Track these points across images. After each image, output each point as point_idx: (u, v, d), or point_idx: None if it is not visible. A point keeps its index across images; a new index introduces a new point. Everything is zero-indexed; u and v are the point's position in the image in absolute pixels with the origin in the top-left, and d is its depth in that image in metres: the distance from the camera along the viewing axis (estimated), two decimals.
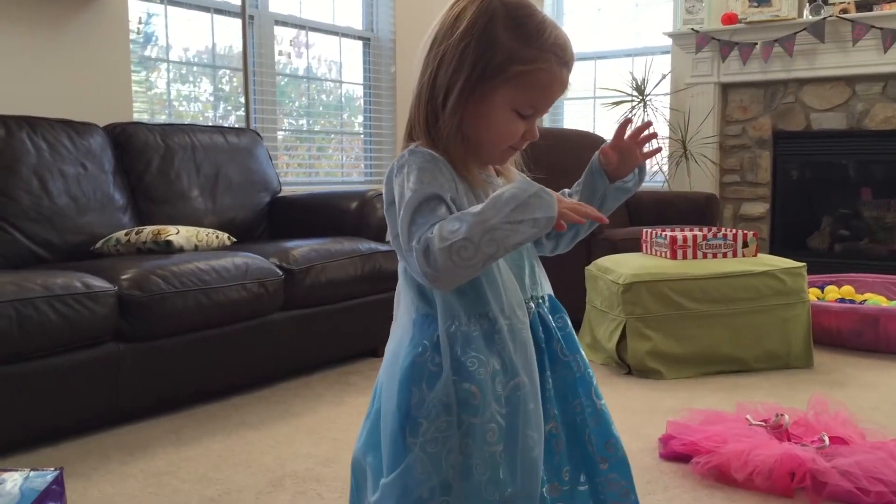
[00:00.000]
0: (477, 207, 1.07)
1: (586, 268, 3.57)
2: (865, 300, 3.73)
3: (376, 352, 3.48)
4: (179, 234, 2.95)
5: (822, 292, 3.91)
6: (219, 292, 2.68)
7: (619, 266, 3.32)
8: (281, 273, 2.93)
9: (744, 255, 3.37)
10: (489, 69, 1.13)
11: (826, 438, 2.16)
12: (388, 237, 1.20)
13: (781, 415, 2.27)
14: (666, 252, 3.35)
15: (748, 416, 2.32)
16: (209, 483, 2.13)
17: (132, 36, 3.70)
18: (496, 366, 1.14)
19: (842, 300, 3.74)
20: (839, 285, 4.01)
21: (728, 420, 2.35)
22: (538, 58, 1.14)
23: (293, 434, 2.51)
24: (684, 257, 3.31)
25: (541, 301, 1.29)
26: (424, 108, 1.19)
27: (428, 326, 1.18)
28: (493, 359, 1.15)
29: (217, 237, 3.14)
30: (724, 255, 3.34)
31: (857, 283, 4.05)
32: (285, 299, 2.95)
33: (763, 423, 2.26)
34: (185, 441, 2.44)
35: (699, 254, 3.31)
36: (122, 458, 2.31)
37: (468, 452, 1.12)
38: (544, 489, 1.19)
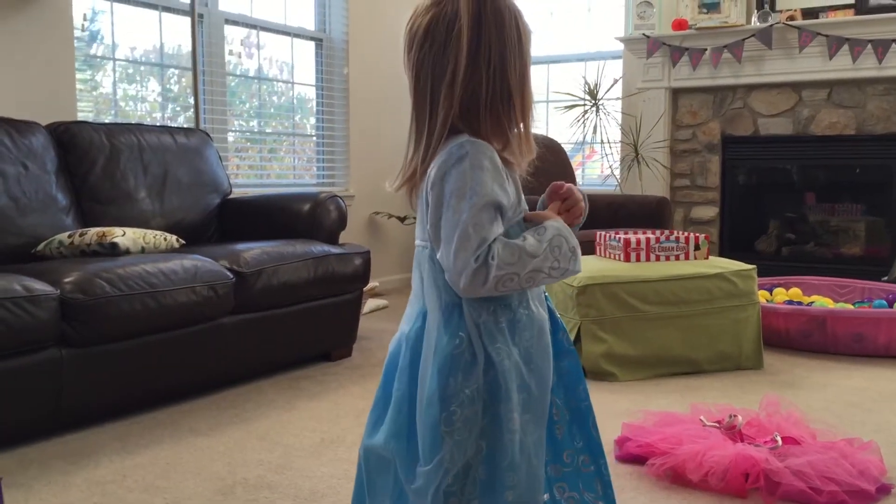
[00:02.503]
0: (532, 243, 1.14)
1: None
2: (812, 302, 3.80)
3: (329, 356, 3.43)
4: (125, 236, 2.87)
5: (771, 295, 3.98)
6: (167, 296, 2.61)
7: None
8: (231, 276, 2.87)
9: (696, 258, 3.40)
10: (522, 42, 1.19)
11: (779, 439, 2.18)
12: (421, 219, 1.21)
13: (735, 416, 2.29)
14: (619, 254, 3.37)
15: (702, 418, 2.33)
16: (157, 492, 2.06)
17: (76, 33, 3.59)
18: (517, 356, 1.19)
19: (790, 302, 3.80)
20: (787, 288, 4.07)
21: (682, 421, 2.36)
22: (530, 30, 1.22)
23: (244, 440, 2.45)
24: (638, 260, 3.33)
25: (546, 294, 1.33)
26: (488, 100, 1.17)
27: (459, 316, 1.19)
28: (515, 349, 1.19)
29: (165, 239, 3.06)
30: (677, 258, 3.37)
31: (805, 285, 4.12)
32: (236, 303, 2.88)
33: (717, 425, 2.28)
34: (131, 449, 2.37)
35: (652, 256, 3.34)
36: (65, 467, 2.22)
37: (493, 439, 1.17)
38: (547, 468, 1.26)
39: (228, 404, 2.82)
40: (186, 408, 2.77)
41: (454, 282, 1.13)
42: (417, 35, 1.18)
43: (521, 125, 1.22)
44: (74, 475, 2.17)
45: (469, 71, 1.15)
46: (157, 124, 3.94)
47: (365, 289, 3.67)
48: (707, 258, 3.43)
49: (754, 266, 3.36)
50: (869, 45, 4.47)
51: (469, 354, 1.17)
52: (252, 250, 3.03)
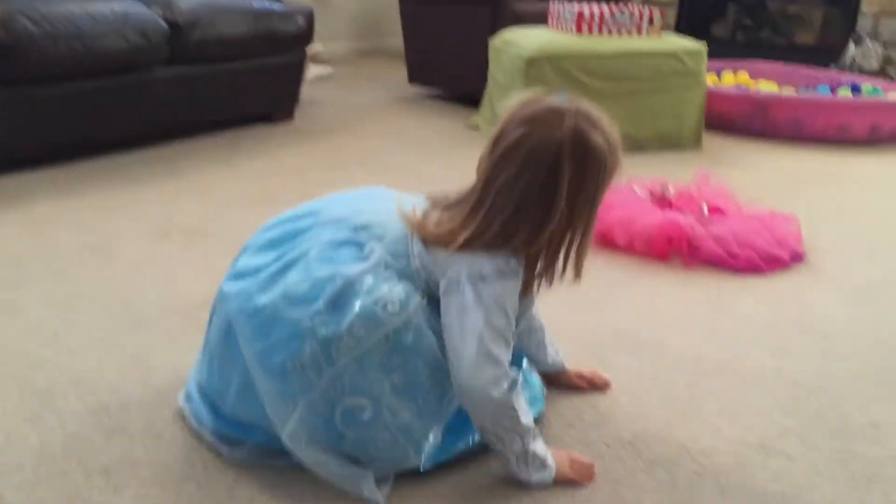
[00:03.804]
0: (537, 445, 1.17)
1: (491, 41, 3.47)
2: (758, 87, 3.80)
3: (271, 118, 3.37)
4: None
5: (719, 78, 3.96)
6: (95, 40, 2.48)
7: (523, 40, 3.24)
8: (165, 24, 2.73)
9: (648, 34, 3.33)
10: (606, 189, 1.16)
11: (705, 208, 2.26)
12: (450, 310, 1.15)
13: (666, 186, 2.34)
14: (572, 27, 3.28)
15: (635, 187, 2.38)
16: (92, 232, 2.07)
17: None
18: None
19: (737, 87, 3.80)
20: (736, 72, 4.06)
21: (615, 190, 2.41)
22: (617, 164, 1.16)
23: (181, 191, 2.44)
24: (590, 32, 3.25)
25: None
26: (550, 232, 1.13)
27: None
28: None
29: None
30: (629, 33, 3.30)
31: (754, 70, 4.11)
32: (170, 54, 2.76)
33: (649, 193, 2.33)
34: (66, 192, 2.35)
35: (604, 29, 3.26)
36: None
37: None
38: None
39: (166, 157, 2.78)
40: (124, 159, 2.72)
41: (464, 371, 1.12)
42: (504, 142, 1.11)
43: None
44: (7, 214, 2.15)
45: (545, 218, 1.12)
46: None
47: (308, 52, 3.55)
48: (660, 35, 3.36)
49: (704, 45, 3.31)
50: None
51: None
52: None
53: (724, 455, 1.26)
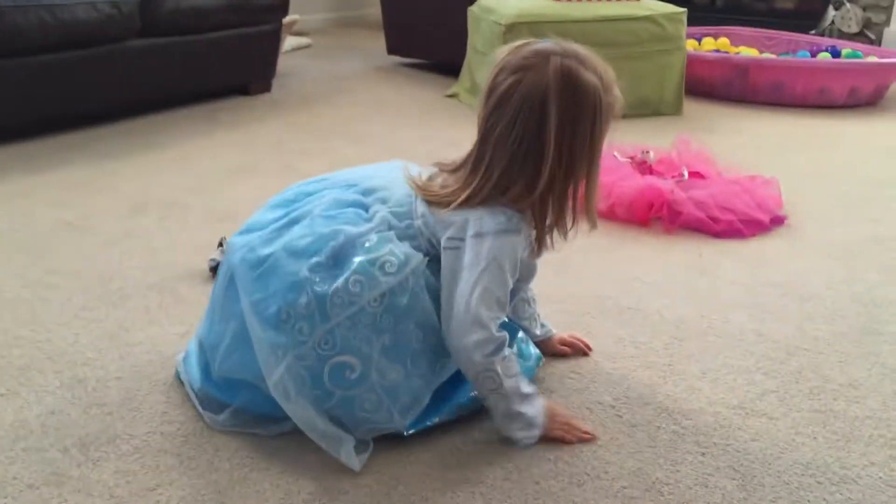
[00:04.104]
0: (524, 407, 1.16)
1: (469, 8, 3.44)
2: (739, 52, 3.79)
3: (247, 90, 3.33)
4: None
5: (699, 44, 3.95)
6: (64, 10, 2.43)
7: (502, 6, 3.21)
8: None
9: (627, 0, 3.31)
10: (606, 129, 1.15)
11: (686, 173, 2.25)
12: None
13: (647, 151, 2.34)
14: None
15: (615, 153, 2.37)
16: (67, 207, 2.04)
17: None
18: None
19: (717, 52, 3.78)
20: (716, 38, 4.04)
21: None
22: (616, 99, 1.15)
23: (157, 164, 2.41)
24: None
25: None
26: (547, 179, 1.11)
27: None
28: None
29: None
30: None
31: (734, 35, 4.10)
32: (142, 25, 2.71)
33: (629, 159, 2.33)
34: (39, 168, 2.31)
35: None
36: None
37: None
38: None
39: (141, 131, 2.74)
40: (98, 133, 2.68)
41: (464, 329, 1.11)
42: (495, 93, 1.11)
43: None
44: None
45: (546, 164, 1.10)
46: None
47: (285, 21, 3.50)
48: (639, 0, 3.33)
49: (684, 10, 3.29)
50: None
51: None
52: None
53: (705, 416, 1.27)
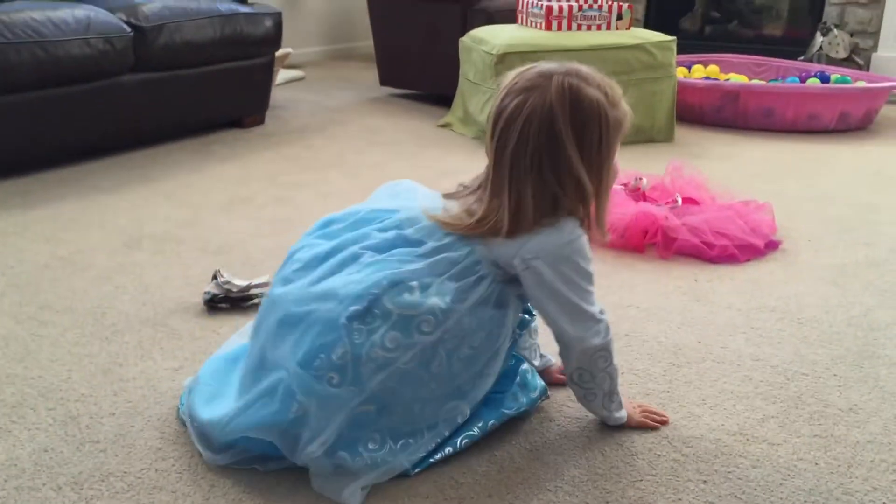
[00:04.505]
0: (612, 383, 1.25)
1: (461, 39, 3.46)
2: (729, 79, 3.82)
3: (241, 122, 3.34)
4: None
5: (689, 72, 3.98)
6: (58, 47, 2.44)
7: (493, 37, 3.23)
8: (129, 30, 2.69)
9: (617, 28, 3.34)
10: (615, 143, 1.17)
11: (679, 199, 2.26)
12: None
13: (640, 178, 2.34)
14: (541, 23, 3.27)
15: None
16: (60, 243, 2.03)
17: None
18: None
19: (707, 79, 3.81)
20: (706, 65, 4.07)
21: None
22: (623, 113, 1.18)
23: (150, 198, 2.41)
24: (559, 28, 3.25)
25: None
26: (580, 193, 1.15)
27: None
28: None
29: None
30: (598, 28, 3.30)
31: (723, 63, 4.13)
32: (136, 60, 2.72)
33: (622, 186, 2.33)
34: (32, 204, 2.30)
35: (574, 25, 3.26)
36: None
37: None
38: None
39: (135, 165, 2.74)
40: (90, 167, 2.68)
41: (583, 333, 1.19)
42: (503, 116, 1.14)
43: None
44: None
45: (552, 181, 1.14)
46: None
47: (278, 54, 3.52)
48: (629, 28, 3.37)
49: (673, 38, 3.32)
50: None
51: None
52: (152, 4, 2.83)
53: (705, 442, 1.26)
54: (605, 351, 1.20)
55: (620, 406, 1.27)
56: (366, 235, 1.22)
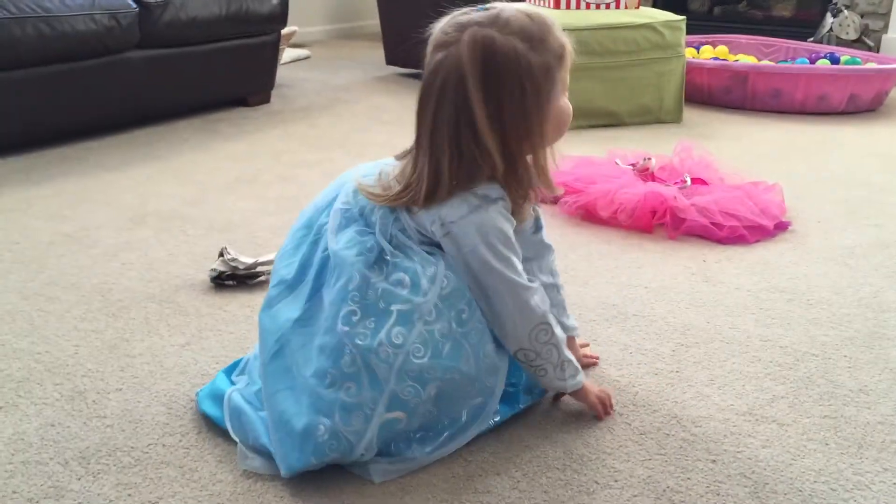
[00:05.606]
0: (570, 354, 1.21)
1: None
2: (738, 60, 3.79)
3: (247, 101, 3.32)
4: None
5: (698, 52, 3.94)
6: (63, 22, 2.42)
7: None
8: (135, 6, 2.67)
9: (626, 7, 3.31)
10: (547, 89, 1.09)
11: (688, 179, 2.24)
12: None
13: (649, 158, 2.33)
14: (550, 1, 3.25)
15: (617, 160, 2.36)
16: (64, 220, 2.02)
17: None
18: None
19: (715, 59, 3.78)
20: (715, 46, 4.04)
21: (598, 164, 2.39)
22: (558, 48, 1.10)
23: (156, 176, 2.40)
24: (567, 7, 3.23)
25: None
26: (499, 154, 1.08)
27: None
28: None
29: None
30: (608, 7, 3.27)
31: (732, 44, 4.09)
32: (141, 36, 2.71)
33: (631, 166, 2.32)
34: (35, 180, 2.30)
35: (582, 4, 3.23)
36: None
37: None
38: None
39: (140, 142, 2.73)
40: (95, 144, 2.67)
41: (504, 307, 1.13)
42: (424, 79, 1.09)
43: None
44: None
45: (475, 136, 1.07)
46: None
47: (284, 32, 3.49)
48: (638, 8, 3.33)
49: (683, 17, 3.29)
50: None
51: None
52: None
53: (714, 422, 1.25)
54: (545, 324, 1.15)
55: (576, 370, 1.21)
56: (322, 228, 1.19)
